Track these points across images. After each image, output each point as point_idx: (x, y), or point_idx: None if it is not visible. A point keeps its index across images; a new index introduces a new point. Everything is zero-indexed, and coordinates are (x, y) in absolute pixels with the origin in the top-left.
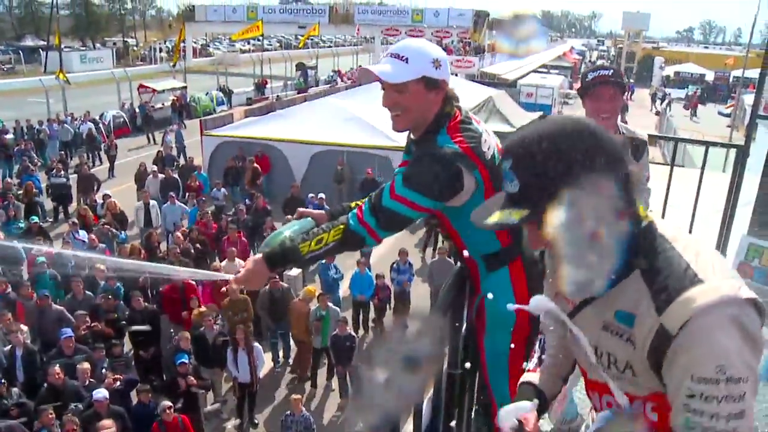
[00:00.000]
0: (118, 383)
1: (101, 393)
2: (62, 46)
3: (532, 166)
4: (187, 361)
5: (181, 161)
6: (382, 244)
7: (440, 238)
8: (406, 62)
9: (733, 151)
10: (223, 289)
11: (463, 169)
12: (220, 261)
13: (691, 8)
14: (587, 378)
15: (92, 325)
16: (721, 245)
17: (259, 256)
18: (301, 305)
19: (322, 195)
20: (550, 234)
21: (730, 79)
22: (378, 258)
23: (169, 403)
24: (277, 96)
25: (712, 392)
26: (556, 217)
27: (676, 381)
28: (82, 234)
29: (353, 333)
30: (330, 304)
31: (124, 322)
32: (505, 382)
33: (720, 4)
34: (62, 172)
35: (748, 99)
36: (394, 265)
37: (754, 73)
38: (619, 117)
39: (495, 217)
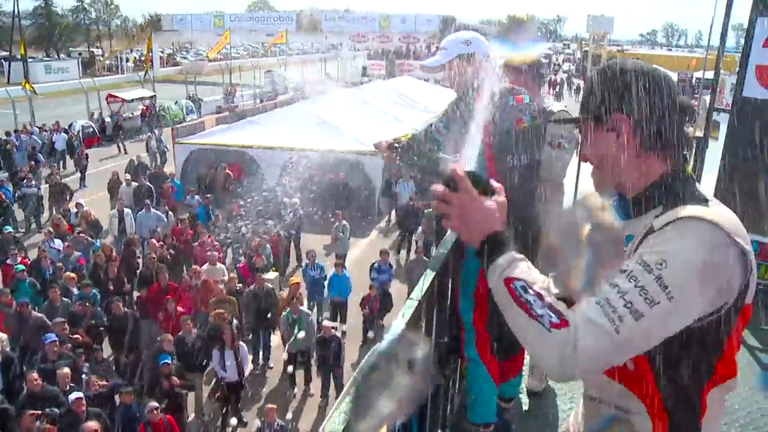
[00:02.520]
0: (103, 388)
1: (76, 394)
2: (27, 56)
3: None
4: (170, 362)
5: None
6: (358, 246)
7: (413, 240)
8: (446, 50)
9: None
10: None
11: None
12: (199, 266)
13: (653, 12)
14: None
15: (73, 336)
16: None
17: None
18: (287, 301)
19: (296, 200)
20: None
21: (693, 80)
22: (352, 260)
23: (156, 404)
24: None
25: (639, 276)
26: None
27: (627, 263)
28: (57, 243)
29: (338, 335)
30: (303, 308)
31: (102, 329)
32: (471, 310)
33: (681, 8)
34: (33, 182)
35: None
36: (375, 265)
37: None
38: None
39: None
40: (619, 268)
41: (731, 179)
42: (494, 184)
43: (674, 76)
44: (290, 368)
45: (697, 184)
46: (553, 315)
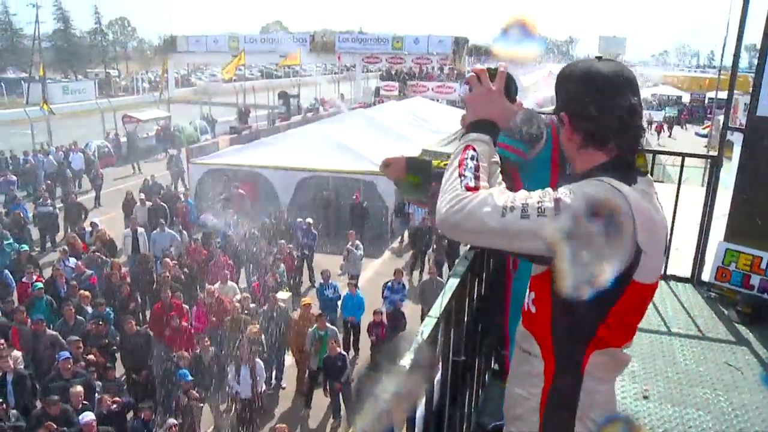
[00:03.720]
0: (115, 406)
1: (88, 416)
2: (45, 77)
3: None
4: (189, 379)
5: (180, 187)
6: (370, 267)
7: (427, 260)
8: None
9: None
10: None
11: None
12: (211, 285)
13: (665, 32)
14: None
15: (86, 356)
16: (700, 252)
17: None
18: (300, 323)
19: (309, 220)
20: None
21: (706, 101)
22: (366, 280)
23: (174, 421)
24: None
25: (544, 194)
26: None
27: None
28: (72, 261)
29: (343, 352)
30: (328, 325)
31: (115, 348)
32: None
33: (692, 28)
34: (49, 201)
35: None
36: (389, 284)
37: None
38: None
39: (551, 109)
40: None
41: (746, 198)
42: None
43: (687, 97)
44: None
45: (639, 178)
46: (472, 180)
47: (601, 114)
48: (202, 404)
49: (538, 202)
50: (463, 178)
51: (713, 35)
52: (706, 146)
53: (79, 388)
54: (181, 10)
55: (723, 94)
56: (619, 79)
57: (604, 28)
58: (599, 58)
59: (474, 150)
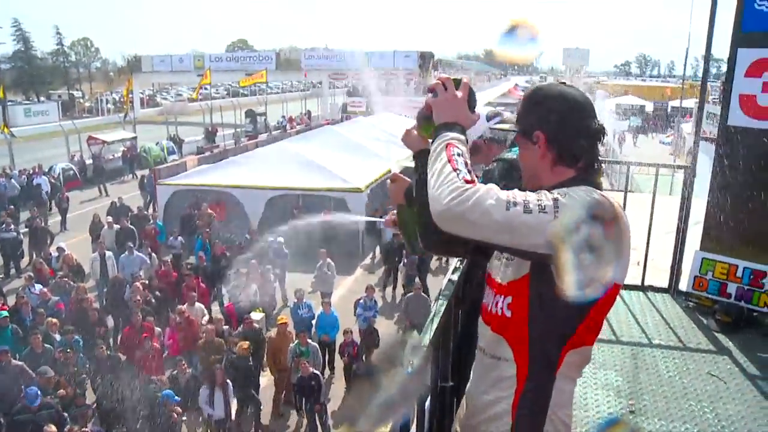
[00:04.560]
0: None
1: None
2: (6, 99)
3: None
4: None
5: (151, 208)
6: (343, 285)
7: (400, 277)
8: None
9: (678, 175)
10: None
11: None
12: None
13: (626, 43)
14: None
15: (58, 392)
16: (677, 261)
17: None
18: (278, 340)
19: (280, 239)
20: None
21: (669, 109)
22: (339, 298)
23: None
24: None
25: (541, 194)
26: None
27: None
28: (38, 288)
29: (317, 372)
30: (310, 341)
31: (84, 376)
32: None
33: (652, 39)
34: (12, 227)
35: (687, 127)
36: (361, 301)
37: (689, 103)
38: None
39: (507, 125)
40: None
41: (720, 208)
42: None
43: (650, 105)
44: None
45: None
46: (468, 174)
47: (578, 134)
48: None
49: (538, 200)
50: (458, 171)
51: (672, 46)
52: (671, 154)
53: (53, 428)
54: (146, 30)
55: (687, 103)
56: (588, 102)
57: (568, 40)
58: (563, 83)
59: (458, 147)
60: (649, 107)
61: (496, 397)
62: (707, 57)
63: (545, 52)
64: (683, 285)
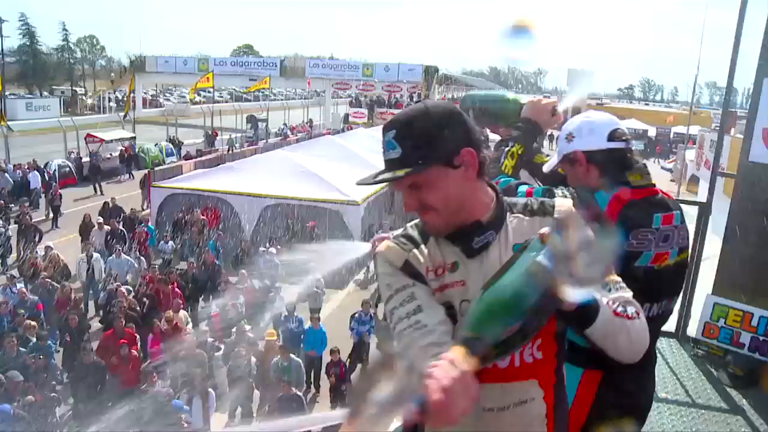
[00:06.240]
0: None
1: None
2: (6, 92)
3: (412, 135)
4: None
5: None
6: (334, 299)
7: None
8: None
9: (686, 207)
10: None
11: None
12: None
13: (630, 67)
14: None
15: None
16: (686, 304)
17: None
18: (266, 354)
19: (273, 249)
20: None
21: (671, 135)
22: (329, 312)
23: None
24: (229, 148)
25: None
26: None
27: None
28: (19, 287)
29: (299, 394)
30: (293, 356)
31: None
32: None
33: (657, 64)
34: (0, 222)
35: (689, 155)
36: (356, 315)
37: (693, 130)
38: None
39: (382, 176)
40: None
41: (736, 250)
42: None
43: (653, 130)
44: None
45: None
46: (628, 308)
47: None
48: None
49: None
50: (630, 318)
51: (676, 71)
52: (672, 180)
53: None
54: (153, 31)
55: (693, 130)
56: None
57: (572, 61)
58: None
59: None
60: (652, 132)
61: None
62: (729, 83)
63: (548, 71)
64: (692, 330)
